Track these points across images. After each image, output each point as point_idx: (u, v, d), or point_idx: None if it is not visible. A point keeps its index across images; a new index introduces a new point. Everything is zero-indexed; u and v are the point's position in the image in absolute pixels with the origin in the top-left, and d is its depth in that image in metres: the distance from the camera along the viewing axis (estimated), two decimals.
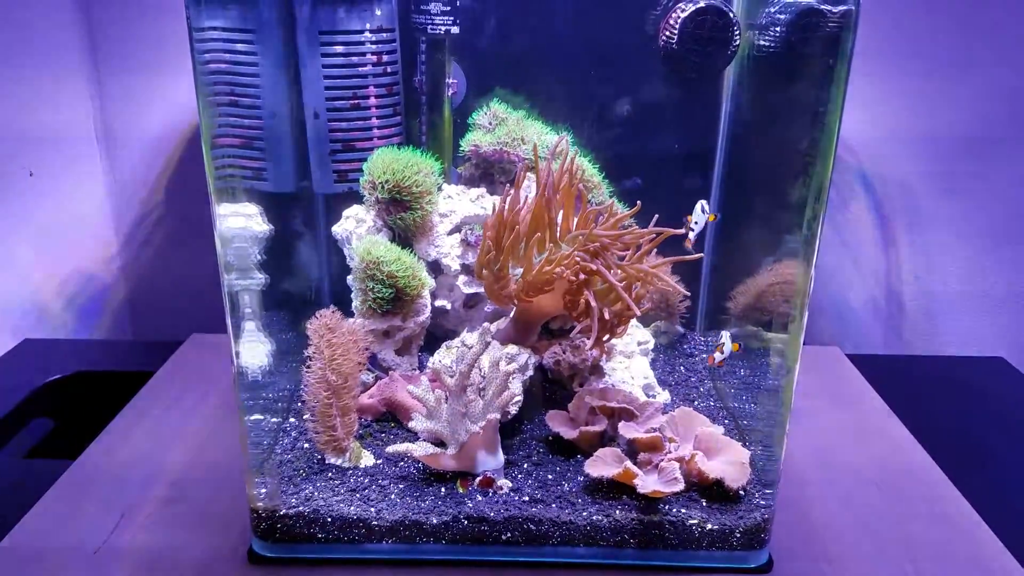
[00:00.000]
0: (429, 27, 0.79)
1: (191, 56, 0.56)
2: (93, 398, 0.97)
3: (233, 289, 0.64)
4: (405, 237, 0.81)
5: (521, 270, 0.71)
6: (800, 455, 0.83)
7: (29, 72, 1.03)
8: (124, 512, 0.71)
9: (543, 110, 0.87)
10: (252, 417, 0.70)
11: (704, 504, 0.68)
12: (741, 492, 0.68)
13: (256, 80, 0.74)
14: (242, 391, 0.66)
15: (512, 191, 0.70)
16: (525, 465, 0.71)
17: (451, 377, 0.66)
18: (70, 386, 0.98)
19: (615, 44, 0.86)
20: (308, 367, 0.67)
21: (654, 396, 0.85)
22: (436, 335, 0.84)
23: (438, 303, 0.82)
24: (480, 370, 0.69)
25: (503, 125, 0.82)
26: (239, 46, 0.73)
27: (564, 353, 0.80)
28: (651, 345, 0.88)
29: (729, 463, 0.69)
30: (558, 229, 0.73)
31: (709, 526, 0.66)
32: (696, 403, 0.85)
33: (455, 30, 0.80)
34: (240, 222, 0.75)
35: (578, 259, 0.67)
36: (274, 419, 0.75)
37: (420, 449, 0.67)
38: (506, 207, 0.69)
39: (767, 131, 0.80)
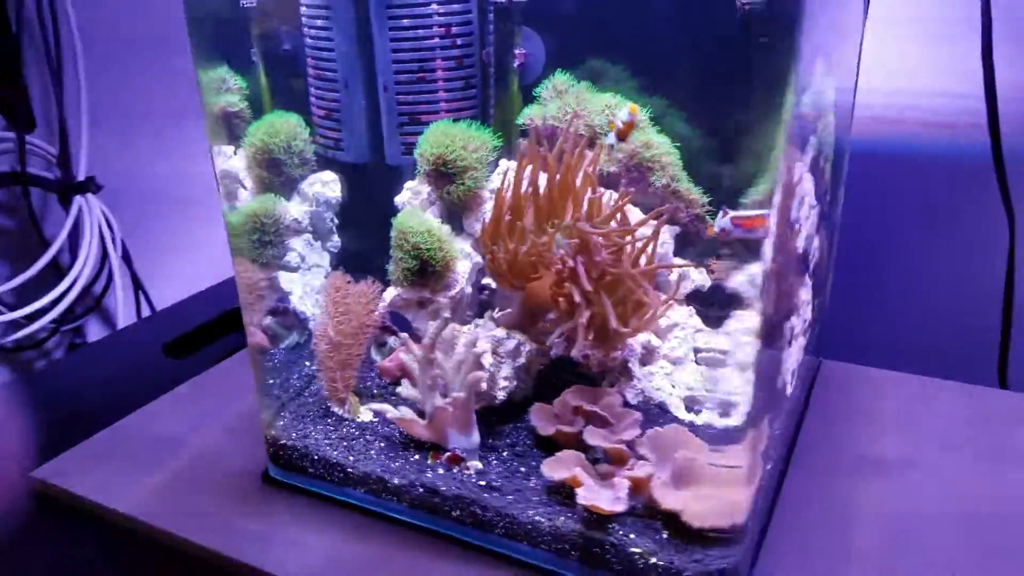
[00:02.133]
0: None
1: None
2: None
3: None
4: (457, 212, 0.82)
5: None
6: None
7: None
8: (201, 421, 0.86)
9: (645, 82, 0.80)
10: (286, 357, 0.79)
11: (664, 536, 0.60)
12: (713, 534, 0.60)
13: (331, 53, 0.81)
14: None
15: (518, 168, 0.68)
16: (504, 453, 0.70)
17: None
18: None
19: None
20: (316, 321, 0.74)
21: (697, 411, 0.75)
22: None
23: (486, 280, 0.83)
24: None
25: (558, 98, 0.78)
26: (318, 21, 0.81)
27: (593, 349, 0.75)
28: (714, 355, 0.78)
29: (698, 497, 0.60)
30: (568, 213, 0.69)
31: (654, 560, 0.59)
32: None
33: None
34: (317, 188, 0.85)
35: (559, 252, 0.63)
36: (313, 366, 0.84)
37: (395, 412, 0.70)
38: (507, 186, 0.67)
39: None
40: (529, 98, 0.83)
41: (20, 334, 1.34)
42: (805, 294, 0.82)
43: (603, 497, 0.61)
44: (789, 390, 0.79)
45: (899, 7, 1.00)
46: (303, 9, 0.81)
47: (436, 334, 0.66)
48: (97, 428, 0.87)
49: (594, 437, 0.64)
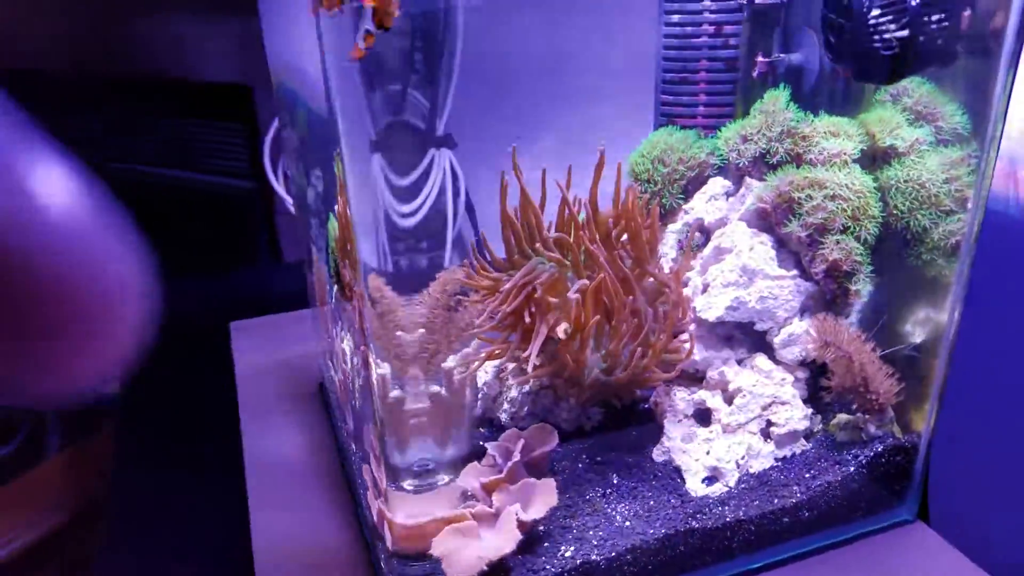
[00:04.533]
0: None
1: None
2: None
3: None
4: None
5: None
6: None
7: None
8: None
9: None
10: None
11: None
12: None
13: None
14: None
15: None
16: None
17: None
18: None
19: None
20: None
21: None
22: None
23: None
24: None
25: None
26: None
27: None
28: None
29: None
30: None
31: None
32: None
33: (760, 1, 0.71)
34: None
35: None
36: None
37: None
38: None
39: None
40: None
41: None
42: (748, 380, 0.68)
43: (374, 507, 0.67)
44: (700, 489, 0.67)
45: None
46: None
47: None
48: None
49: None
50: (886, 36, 0.53)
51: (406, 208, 0.82)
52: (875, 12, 0.52)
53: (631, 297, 0.66)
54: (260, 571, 0.71)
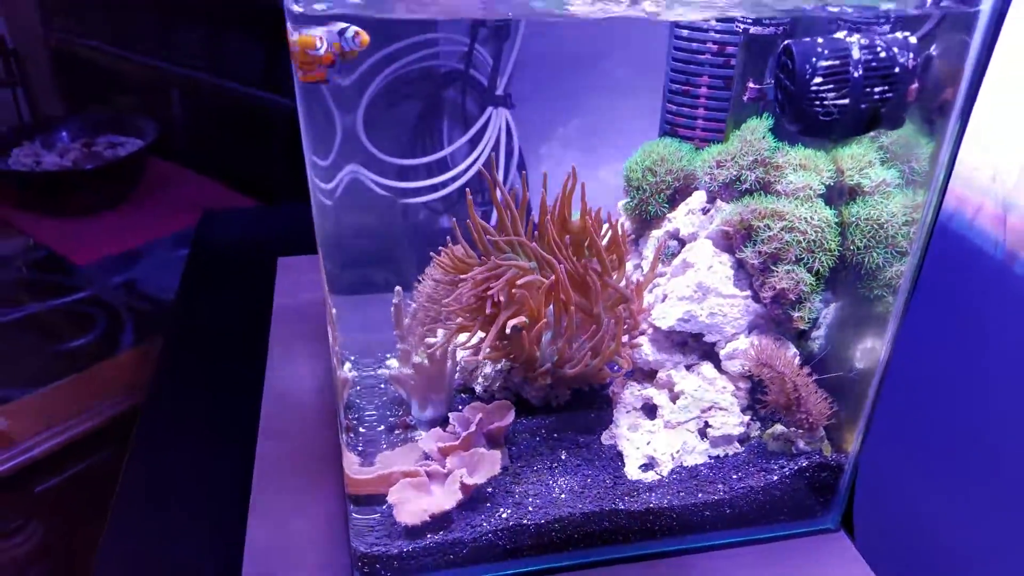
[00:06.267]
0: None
1: None
2: None
3: None
4: None
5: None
6: None
7: None
8: None
9: None
10: None
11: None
12: None
13: None
14: None
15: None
16: None
17: None
18: None
19: None
20: None
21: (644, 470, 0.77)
22: None
23: None
24: None
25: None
26: None
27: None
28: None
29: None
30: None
31: None
32: None
33: (754, 30, 0.73)
34: None
35: None
36: None
37: None
38: None
39: None
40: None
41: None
42: (691, 384, 0.75)
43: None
44: (636, 474, 0.75)
45: None
46: None
47: None
48: None
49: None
50: (826, 103, 0.57)
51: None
52: (817, 80, 0.56)
53: (587, 301, 0.73)
54: (258, 477, 0.84)
